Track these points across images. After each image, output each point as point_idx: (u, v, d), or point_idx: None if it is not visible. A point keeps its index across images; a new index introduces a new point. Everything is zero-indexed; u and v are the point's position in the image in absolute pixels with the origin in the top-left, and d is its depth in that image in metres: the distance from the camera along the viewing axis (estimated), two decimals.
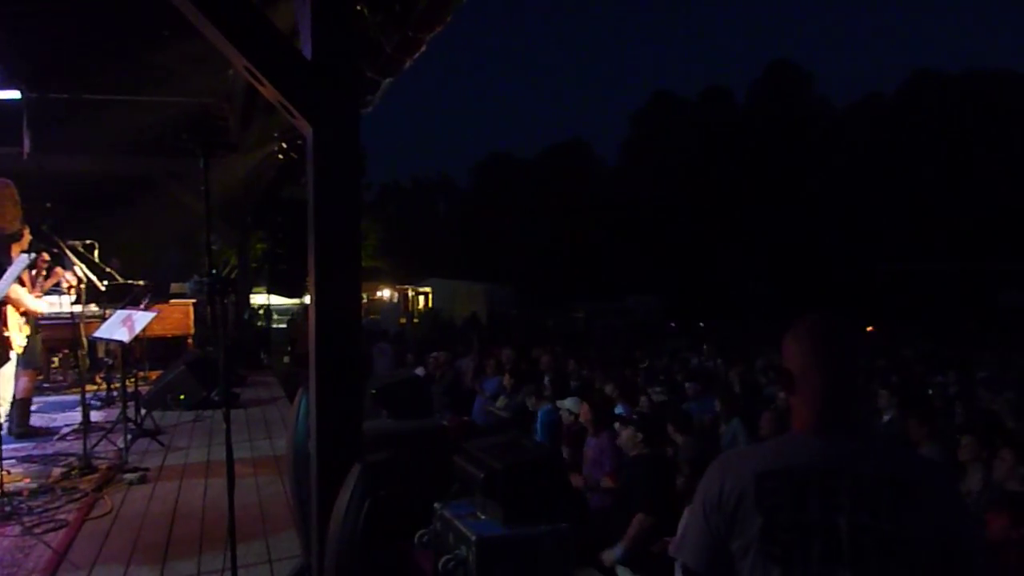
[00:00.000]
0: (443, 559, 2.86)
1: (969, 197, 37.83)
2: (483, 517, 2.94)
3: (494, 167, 57.85)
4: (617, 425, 5.96)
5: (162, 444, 6.54)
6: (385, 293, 39.67)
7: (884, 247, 37.50)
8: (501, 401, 8.72)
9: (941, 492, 1.62)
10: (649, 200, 45.80)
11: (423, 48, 5.21)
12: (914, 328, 21.13)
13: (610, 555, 4.87)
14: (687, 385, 8.98)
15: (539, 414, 7.60)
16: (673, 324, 26.39)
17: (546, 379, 9.25)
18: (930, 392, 9.06)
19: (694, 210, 43.85)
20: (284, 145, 10.93)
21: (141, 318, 6.43)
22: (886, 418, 7.29)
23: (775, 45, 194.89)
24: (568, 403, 7.53)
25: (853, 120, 46.39)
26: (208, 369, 8.35)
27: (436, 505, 3.11)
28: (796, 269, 38.47)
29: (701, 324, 27.47)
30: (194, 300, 10.58)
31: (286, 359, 14.92)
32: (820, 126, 46.43)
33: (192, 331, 10.63)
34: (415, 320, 35.14)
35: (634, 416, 5.89)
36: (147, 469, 5.68)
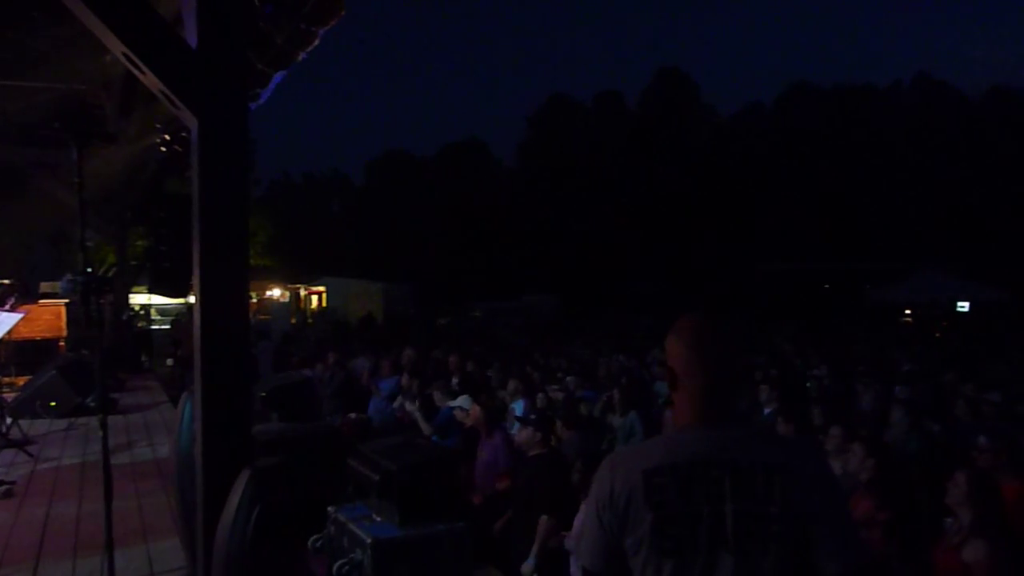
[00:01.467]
0: (338, 563, 2.80)
1: (839, 202, 40.35)
2: (378, 519, 2.90)
3: (390, 164, 57.11)
4: (516, 426, 6.01)
5: (31, 455, 6.12)
6: (275, 292, 38.51)
7: (763, 248, 39.47)
8: (397, 402, 8.64)
9: (811, 471, 1.71)
10: (545, 201, 46.46)
11: (316, 42, 5.08)
12: (791, 325, 22.33)
13: (527, 567, 4.90)
14: (569, 379, 9.17)
15: (440, 411, 7.59)
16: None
17: (454, 380, 9.24)
18: (808, 385, 9.59)
19: (588, 211, 44.80)
20: (167, 136, 10.41)
21: (6, 320, 6.00)
22: (767, 411, 7.66)
23: (664, 53, 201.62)
24: (460, 401, 7.54)
25: (736, 128, 48.69)
26: (82, 373, 7.88)
27: (330, 509, 3.05)
28: (684, 269, 39.94)
29: (588, 320, 28.07)
30: (67, 300, 9.94)
31: (170, 362, 14.29)
32: (706, 132, 48.43)
33: (64, 333, 9.99)
34: (308, 320, 34.31)
35: (532, 416, 5.96)
36: (13, 482, 5.30)
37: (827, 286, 36.36)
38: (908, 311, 28.82)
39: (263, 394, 4.48)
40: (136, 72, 3.13)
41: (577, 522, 4.65)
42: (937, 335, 22.05)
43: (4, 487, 5.15)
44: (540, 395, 8.38)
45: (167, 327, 21.04)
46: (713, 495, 1.68)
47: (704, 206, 42.71)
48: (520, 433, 5.66)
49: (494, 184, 52.22)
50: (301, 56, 5.35)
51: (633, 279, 39.88)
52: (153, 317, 24.38)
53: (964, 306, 26.96)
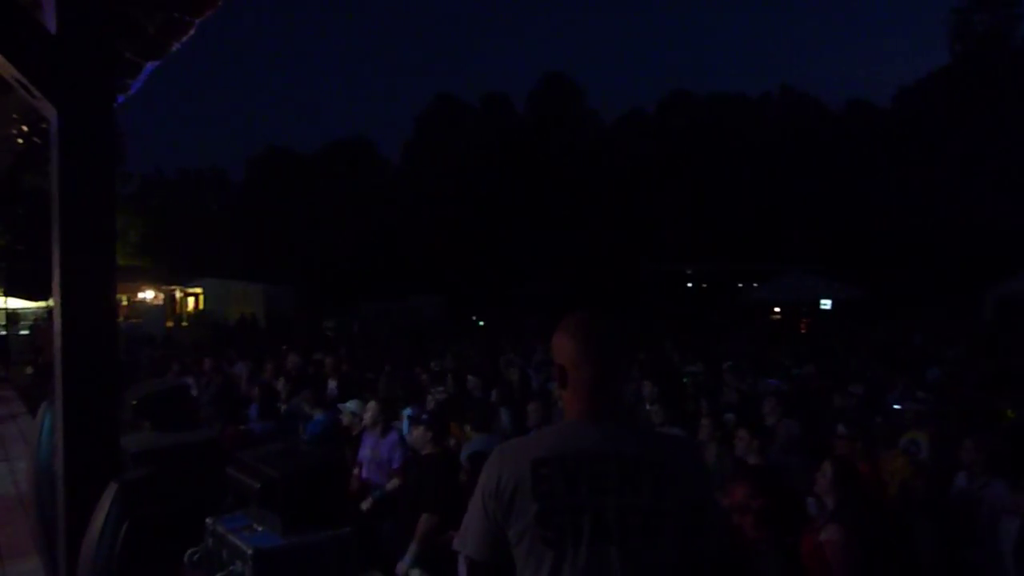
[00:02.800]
0: None
1: (716, 205, 42.31)
2: (260, 529, 2.80)
3: (272, 161, 55.23)
4: (407, 425, 5.96)
5: None
6: (148, 294, 36.55)
7: (646, 249, 40.86)
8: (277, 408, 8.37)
9: (688, 467, 1.80)
10: (432, 201, 46.29)
11: (192, 32, 4.85)
12: (670, 323, 23.24)
13: (403, 566, 4.84)
14: (469, 379, 9.18)
15: (315, 419, 7.40)
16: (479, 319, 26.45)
17: (331, 383, 9.03)
18: (685, 381, 9.99)
19: (476, 212, 44.98)
20: (25, 128, 9.69)
21: None
22: (649, 406, 7.92)
23: (551, 57, 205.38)
24: (350, 405, 7.39)
25: (619, 132, 50.17)
26: None
27: (208, 520, 2.92)
28: (571, 269, 40.76)
29: (480, 322, 28.23)
30: None
31: (29, 370, 13.33)
32: (591, 136, 49.64)
33: None
34: (184, 323, 32.79)
35: (424, 416, 5.93)
36: None
37: (705, 286, 38.11)
38: (777, 309, 30.59)
39: (134, 402, 4.24)
40: None
41: (465, 520, 4.65)
42: (802, 331, 23.53)
43: None
44: (429, 397, 8.35)
45: (27, 332, 19.64)
46: (598, 488, 1.72)
47: (589, 208, 43.74)
48: (412, 432, 5.62)
49: (380, 183, 51.56)
50: (175, 46, 5.10)
51: (520, 280, 40.35)
52: (13, 322, 22.65)
53: (827, 304, 28.87)
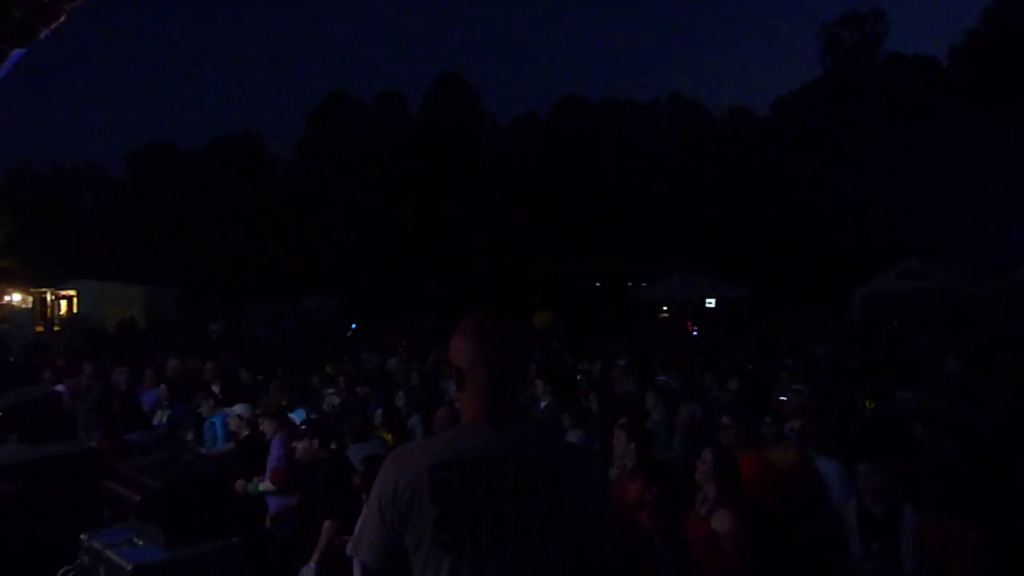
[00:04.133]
0: None
1: (606, 206, 43.40)
2: (140, 543, 2.69)
3: (153, 157, 52.56)
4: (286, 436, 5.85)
5: None
6: (15, 297, 34.05)
7: (538, 249, 41.45)
8: (159, 415, 8.02)
9: (586, 475, 1.82)
10: (324, 199, 45.35)
11: (63, 18, 4.58)
12: (562, 322, 23.64)
13: (308, 571, 4.75)
14: (358, 390, 9.02)
15: (215, 422, 7.17)
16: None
17: (214, 387, 8.70)
18: (578, 378, 10.20)
19: (369, 210, 44.37)
20: None
21: None
22: (543, 404, 8.05)
23: (446, 58, 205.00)
24: (239, 409, 7.17)
25: (515, 134, 50.73)
26: None
27: (82, 536, 2.78)
28: (463, 270, 40.84)
29: (371, 322, 27.87)
30: None
31: None
32: (485, 137, 49.93)
33: None
34: (55, 328, 30.78)
35: (303, 427, 5.82)
36: None
37: (597, 285, 38.99)
38: (665, 308, 31.70)
39: (0, 413, 3.96)
40: None
41: (359, 525, 4.61)
42: (689, 329, 24.47)
43: None
44: (325, 400, 8.22)
45: None
46: (495, 492, 1.73)
47: (482, 208, 43.96)
48: (298, 447, 5.52)
49: (269, 180, 50.06)
50: (44, 33, 4.80)
51: (415, 280, 40.09)
52: None
53: (711, 302, 30.14)
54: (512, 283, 37.51)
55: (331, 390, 8.87)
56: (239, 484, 5.90)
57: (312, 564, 4.77)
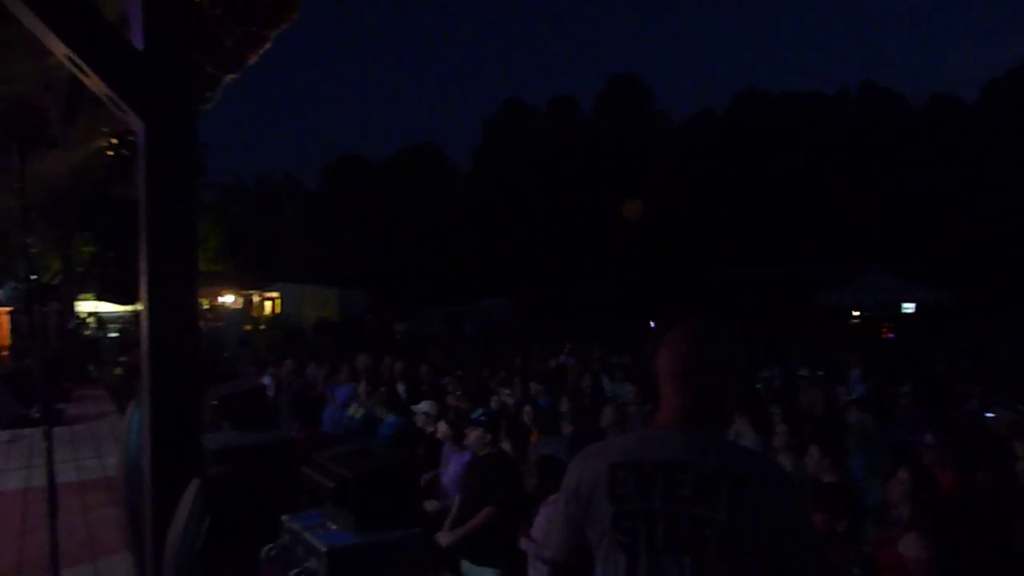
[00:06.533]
0: (292, 572, 2.77)
1: (790, 204, 41.25)
2: (334, 527, 2.87)
3: (344, 168, 56.62)
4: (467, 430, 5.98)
5: None
6: (228, 299, 37.84)
7: (718, 252, 40.13)
8: (354, 409, 8.54)
9: (774, 488, 1.73)
10: (500, 205, 46.57)
11: (268, 44, 5.02)
12: (744, 327, 22.71)
13: (447, 536, 4.88)
14: (532, 386, 9.16)
15: (387, 422, 7.51)
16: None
17: (400, 387, 9.16)
18: (758, 387, 9.76)
19: (543, 215, 45.02)
20: (114, 140, 10.17)
21: None
22: None
23: (619, 59, 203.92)
24: (424, 406, 7.48)
25: (688, 133, 49.49)
26: (26, 384, 7.66)
27: (284, 518, 3.01)
28: (635, 272, 40.36)
29: (541, 324, 28.18)
30: (10, 308, 9.66)
31: (118, 371, 13.94)
32: (659, 138, 49.09)
33: (7, 342, 9.70)
34: (261, 326, 33.82)
35: (482, 417, 5.93)
36: None
37: (778, 289, 37.09)
38: (856, 313, 29.54)
39: (214, 402, 4.40)
40: (80, 75, 3.05)
41: (536, 524, 4.67)
42: (884, 336, 22.66)
43: None
44: (494, 398, 8.39)
45: (116, 335, 20.55)
46: (673, 496, 1.70)
47: (658, 210, 43.24)
48: (470, 434, 5.64)
49: (449, 188, 52.15)
50: (252, 59, 5.28)
51: (586, 283, 40.14)
52: (103, 325, 23.78)
53: (910, 307, 27.74)
54: (687, 285, 36.55)
55: (507, 390, 9.06)
56: (430, 504, 6.07)
57: (457, 532, 4.87)
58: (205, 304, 32.64)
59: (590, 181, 44.94)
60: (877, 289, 26.72)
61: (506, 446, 5.79)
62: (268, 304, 38.55)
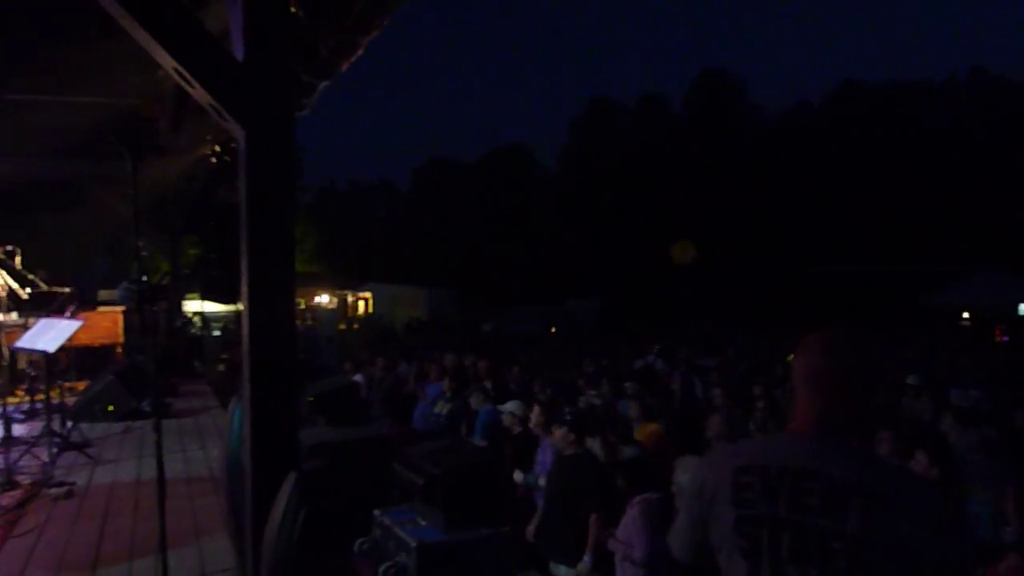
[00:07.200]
0: (383, 566, 2.84)
1: (891, 203, 39.39)
2: (423, 523, 2.92)
3: (434, 171, 57.65)
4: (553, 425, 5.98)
5: (90, 457, 6.31)
6: (323, 298, 39.08)
7: (810, 251, 38.72)
8: (441, 406, 8.67)
9: (911, 501, 1.61)
10: (587, 204, 46.35)
11: (360, 51, 5.16)
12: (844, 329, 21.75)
13: (584, 566, 4.89)
14: (626, 385, 9.07)
15: (480, 414, 7.60)
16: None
17: (487, 384, 9.24)
18: None
19: (632, 215, 44.55)
20: (217, 148, 10.68)
21: (66, 327, 6.20)
22: None
23: (708, 53, 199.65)
24: (510, 406, 7.52)
25: (783, 128, 47.94)
26: (138, 378, 8.09)
27: (376, 512, 3.08)
28: (728, 272, 39.38)
29: (631, 325, 27.85)
30: (123, 308, 10.24)
31: (221, 367, 14.58)
32: (752, 134, 47.74)
33: (121, 340, 10.28)
34: (354, 326, 34.75)
35: (567, 416, 5.92)
36: (73, 483, 5.47)
37: (879, 290, 35.45)
38: (966, 315, 27.92)
39: (310, 399, 4.55)
40: (186, 86, 3.21)
41: (623, 524, 4.62)
42: (998, 339, 21.34)
43: (65, 488, 5.32)
44: (583, 398, 8.35)
45: (219, 333, 21.51)
46: (799, 505, 1.64)
47: (752, 209, 42.09)
48: (555, 432, 5.64)
49: (536, 188, 52.28)
50: (345, 66, 5.44)
51: (676, 284, 39.46)
52: (207, 323, 24.95)
53: None
54: (789, 288, 35.39)
55: (592, 392, 9.01)
56: (517, 475, 6.17)
57: (587, 559, 4.87)
58: (301, 304, 33.80)
59: (680, 179, 44.15)
60: (989, 289, 25.20)
61: (595, 447, 5.75)
62: (361, 304, 39.59)
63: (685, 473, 4.31)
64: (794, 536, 1.62)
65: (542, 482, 6.01)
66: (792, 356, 1.89)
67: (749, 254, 40.32)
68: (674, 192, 44.18)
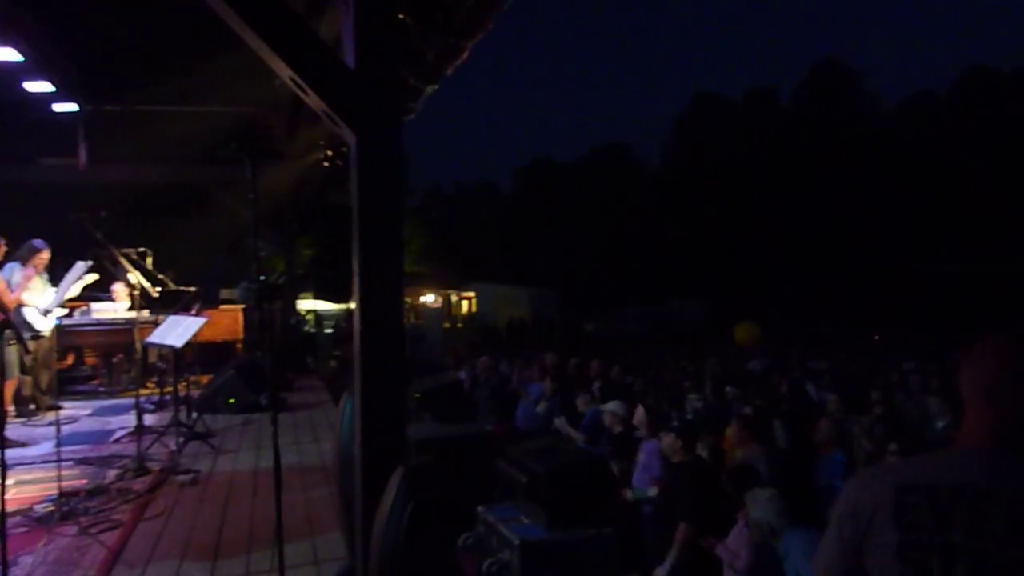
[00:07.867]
0: (487, 562, 2.86)
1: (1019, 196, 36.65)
2: (526, 521, 2.93)
3: (536, 171, 57.87)
4: (661, 433, 5.91)
5: (213, 447, 6.68)
6: (429, 298, 39.95)
7: (926, 247, 36.53)
8: (541, 405, 8.72)
9: None
10: (693, 203, 45.39)
11: (465, 55, 5.25)
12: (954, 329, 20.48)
13: (661, 572, 4.83)
14: (728, 390, 8.84)
15: (586, 415, 7.60)
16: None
17: (595, 385, 9.23)
18: None
19: (738, 213, 43.30)
20: (329, 152, 11.10)
21: (192, 324, 6.58)
22: (940, 424, 7.10)
23: (821, 43, 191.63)
24: (612, 406, 7.47)
25: (904, 119, 45.44)
26: (256, 373, 8.49)
27: (479, 509, 3.12)
28: (832, 272, 37.65)
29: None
30: (243, 306, 10.80)
31: (333, 363, 15.11)
32: (869, 125, 45.44)
33: (241, 336, 10.83)
34: (459, 325, 35.33)
35: (675, 423, 5.82)
36: (198, 471, 5.81)
37: (998, 288, 33.02)
38: None
39: (417, 395, 4.66)
40: (301, 94, 3.36)
41: (733, 533, 4.51)
42: None
43: (191, 475, 5.66)
44: (688, 399, 8.19)
45: (331, 331, 22.34)
46: (978, 530, 1.46)
47: (868, 207, 40.09)
48: (663, 440, 5.57)
49: (639, 188, 51.61)
50: (450, 70, 5.55)
51: (779, 283, 38.06)
52: (320, 321, 25.96)
53: None
54: (902, 284, 33.55)
55: (694, 395, 8.84)
56: (627, 493, 6.11)
57: (667, 565, 4.78)
58: (408, 303, 34.65)
59: (790, 175, 42.57)
60: None
61: (703, 451, 5.66)
62: (464, 303, 40.22)
63: (759, 509, 4.17)
64: (973, 565, 1.44)
65: (651, 492, 5.93)
66: (970, 360, 1.67)
67: (857, 250, 38.41)
68: (785, 188, 42.61)
